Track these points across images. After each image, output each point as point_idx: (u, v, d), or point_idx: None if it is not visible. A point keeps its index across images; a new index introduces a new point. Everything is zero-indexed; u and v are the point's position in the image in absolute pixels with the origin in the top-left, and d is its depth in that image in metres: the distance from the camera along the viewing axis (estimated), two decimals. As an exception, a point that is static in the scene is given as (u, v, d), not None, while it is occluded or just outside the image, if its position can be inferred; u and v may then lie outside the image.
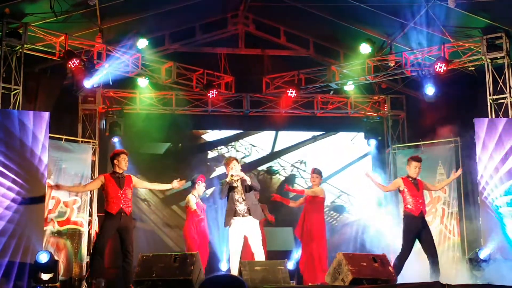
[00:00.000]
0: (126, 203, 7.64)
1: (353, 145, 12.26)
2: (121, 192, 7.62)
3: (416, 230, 8.04)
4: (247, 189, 7.65)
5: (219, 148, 12.12)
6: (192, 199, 8.76)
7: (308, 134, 12.28)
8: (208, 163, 11.89)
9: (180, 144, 11.92)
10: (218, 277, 2.53)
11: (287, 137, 12.32)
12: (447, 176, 10.62)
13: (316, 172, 9.37)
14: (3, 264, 8.06)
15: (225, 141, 12.15)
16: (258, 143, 12.13)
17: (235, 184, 7.64)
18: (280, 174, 12.06)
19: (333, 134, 12.38)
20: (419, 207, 7.99)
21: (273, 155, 12.18)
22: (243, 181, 7.65)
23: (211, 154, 12.12)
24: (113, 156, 7.84)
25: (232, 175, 7.56)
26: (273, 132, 12.29)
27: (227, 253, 9.39)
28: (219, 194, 7.82)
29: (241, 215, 7.60)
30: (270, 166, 12.08)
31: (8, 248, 8.14)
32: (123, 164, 7.75)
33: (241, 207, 7.62)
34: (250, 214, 7.61)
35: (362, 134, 11.98)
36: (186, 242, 8.84)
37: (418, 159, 8.22)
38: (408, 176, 8.19)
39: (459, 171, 8.33)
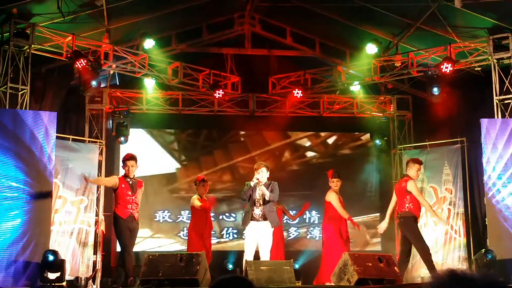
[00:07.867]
0: (136, 208, 7.79)
1: None
2: (133, 197, 7.77)
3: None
4: (265, 199, 7.77)
5: None
6: (196, 198, 8.87)
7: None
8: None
9: None
10: (226, 279, 2.47)
11: None
12: (453, 177, 10.62)
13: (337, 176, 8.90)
14: (9, 263, 8.11)
15: None
16: None
17: (257, 188, 7.74)
18: None
19: None
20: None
21: None
22: (263, 192, 7.75)
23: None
24: (122, 162, 8.00)
25: (257, 179, 7.67)
26: None
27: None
28: (242, 194, 7.91)
29: (256, 220, 7.73)
30: None
31: (15, 247, 8.17)
32: (129, 170, 7.86)
33: (257, 211, 7.75)
34: (264, 220, 7.73)
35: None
36: (188, 242, 8.97)
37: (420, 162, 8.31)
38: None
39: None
